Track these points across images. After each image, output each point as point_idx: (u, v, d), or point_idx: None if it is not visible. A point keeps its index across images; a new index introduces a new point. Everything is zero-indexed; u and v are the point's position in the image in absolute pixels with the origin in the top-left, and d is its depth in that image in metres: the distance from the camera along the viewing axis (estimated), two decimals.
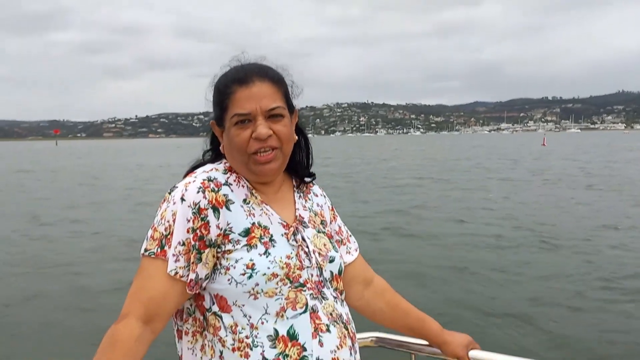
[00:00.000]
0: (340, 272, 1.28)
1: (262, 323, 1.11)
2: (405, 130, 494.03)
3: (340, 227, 1.42)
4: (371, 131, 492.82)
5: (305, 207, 1.31)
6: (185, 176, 1.22)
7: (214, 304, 1.13)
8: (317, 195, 1.38)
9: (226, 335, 1.12)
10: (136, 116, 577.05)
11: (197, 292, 1.14)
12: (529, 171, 23.89)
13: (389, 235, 9.82)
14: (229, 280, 1.11)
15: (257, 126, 1.15)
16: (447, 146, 65.26)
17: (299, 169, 1.33)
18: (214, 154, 1.29)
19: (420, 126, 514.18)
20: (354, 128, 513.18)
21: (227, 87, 1.17)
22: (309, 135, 1.36)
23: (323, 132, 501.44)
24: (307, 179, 1.36)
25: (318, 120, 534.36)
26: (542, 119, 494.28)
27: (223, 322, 1.12)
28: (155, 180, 23.51)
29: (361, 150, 61.66)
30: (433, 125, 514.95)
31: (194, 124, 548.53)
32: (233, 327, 1.11)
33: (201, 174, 1.18)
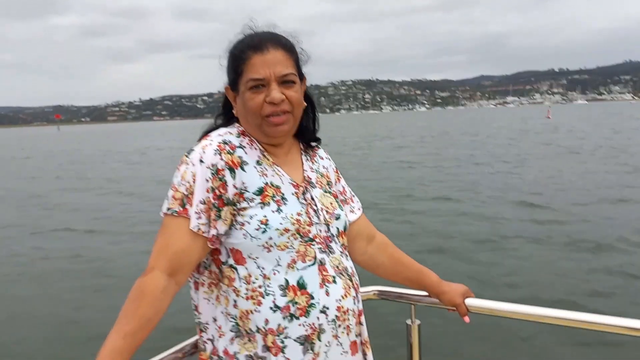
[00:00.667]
0: (345, 229, 1.37)
1: (274, 274, 1.19)
2: (410, 107, 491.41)
3: (344, 188, 1.50)
4: (376, 108, 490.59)
5: (312, 168, 1.38)
6: (200, 139, 1.27)
7: (229, 257, 1.21)
8: (322, 158, 1.45)
9: (240, 286, 1.19)
10: (140, 99, 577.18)
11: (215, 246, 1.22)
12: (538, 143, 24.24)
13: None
14: (244, 235, 1.18)
15: (270, 91, 1.20)
16: (443, 124, 65.24)
17: (306, 134, 1.41)
18: (226, 118, 1.36)
19: (425, 102, 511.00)
20: (359, 105, 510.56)
21: (242, 52, 1.23)
22: None
23: (328, 110, 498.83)
24: (313, 143, 1.43)
25: (323, 98, 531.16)
26: (549, 91, 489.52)
27: (238, 274, 1.20)
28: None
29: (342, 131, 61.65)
30: (439, 100, 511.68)
31: (197, 105, 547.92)
32: (247, 278, 1.19)
33: (216, 137, 1.24)
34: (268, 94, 1.21)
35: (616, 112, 73.07)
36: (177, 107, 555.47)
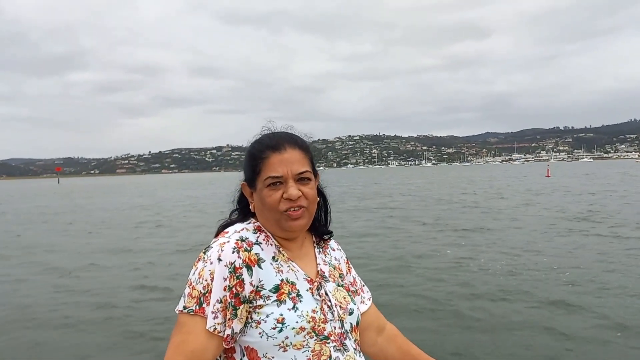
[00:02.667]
0: (358, 324, 1.37)
1: None
2: (417, 162, 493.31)
3: (354, 279, 1.52)
4: (383, 163, 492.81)
5: (325, 261, 1.41)
6: (216, 235, 1.32)
7: (244, 356, 1.22)
8: (334, 250, 1.49)
9: None
10: (149, 152, 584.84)
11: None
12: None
13: None
14: (260, 333, 1.19)
15: (288, 188, 1.26)
16: (439, 178, 64.11)
17: (318, 226, 1.45)
18: (242, 213, 1.39)
19: (432, 157, 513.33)
20: (366, 160, 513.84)
21: (261, 152, 1.29)
22: (321, 168, 1.45)
23: (335, 164, 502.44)
24: (326, 236, 1.47)
25: (330, 153, 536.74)
26: (554, 149, 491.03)
27: None
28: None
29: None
30: (445, 156, 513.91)
31: (206, 158, 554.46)
32: None
33: (234, 234, 1.27)
34: (286, 191, 1.26)
35: (621, 170, 71.40)
36: (185, 160, 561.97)
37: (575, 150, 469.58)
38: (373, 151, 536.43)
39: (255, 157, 1.31)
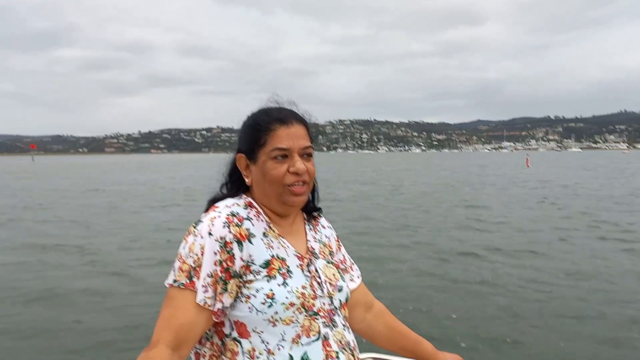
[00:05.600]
0: (347, 300, 1.39)
1: (279, 349, 1.20)
2: (406, 148, 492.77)
3: (344, 256, 1.54)
4: (372, 148, 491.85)
5: (315, 238, 1.42)
6: (206, 209, 1.31)
7: (233, 329, 1.23)
8: (324, 227, 1.50)
9: None
10: (139, 131, 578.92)
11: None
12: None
13: None
14: (249, 308, 1.20)
15: (295, 162, 1.27)
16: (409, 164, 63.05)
17: (308, 204, 1.45)
18: (234, 187, 1.38)
19: (422, 144, 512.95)
20: (356, 145, 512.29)
21: (268, 124, 1.29)
22: None
23: (325, 148, 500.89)
24: (315, 213, 1.48)
25: (320, 137, 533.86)
26: (544, 138, 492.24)
27: (242, 347, 1.21)
28: None
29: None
30: (435, 143, 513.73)
31: (195, 139, 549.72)
32: (251, 352, 1.20)
33: (224, 208, 1.27)
34: (292, 165, 1.27)
35: (605, 162, 70.74)
36: (175, 140, 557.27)
37: (565, 140, 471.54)
38: (363, 136, 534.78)
39: (260, 129, 1.30)
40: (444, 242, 10.31)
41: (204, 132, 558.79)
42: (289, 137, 1.28)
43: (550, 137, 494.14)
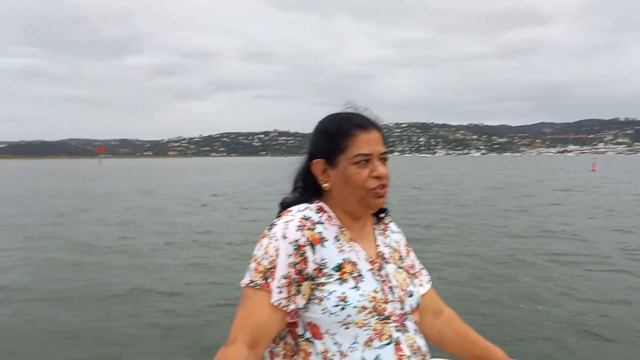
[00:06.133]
0: (417, 305, 1.40)
1: (352, 351, 1.22)
2: (466, 151, 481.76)
3: (413, 262, 1.54)
4: (430, 151, 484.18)
5: (385, 243, 1.43)
6: (279, 213, 1.35)
7: (306, 330, 1.25)
8: (394, 232, 1.51)
9: None
10: (200, 135, 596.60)
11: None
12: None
13: None
14: (322, 310, 1.22)
15: (376, 166, 1.31)
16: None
17: None
18: (308, 192, 1.39)
19: (482, 147, 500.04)
20: (413, 148, 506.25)
21: (349, 129, 1.32)
22: None
23: None
24: (381, 215, 1.49)
25: None
26: (613, 141, 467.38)
27: (315, 348, 1.23)
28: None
29: None
30: (496, 146, 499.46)
31: (254, 143, 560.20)
32: (324, 354, 1.22)
33: (297, 212, 1.31)
34: (374, 169, 1.30)
35: None
36: (234, 144, 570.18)
37: (636, 143, 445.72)
38: (420, 139, 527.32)
39: (341, 135, 1.32)
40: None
41: (261, 136, 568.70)
42: (369, 142, 1.31)
43: (620, 139, 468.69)
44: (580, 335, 5.34)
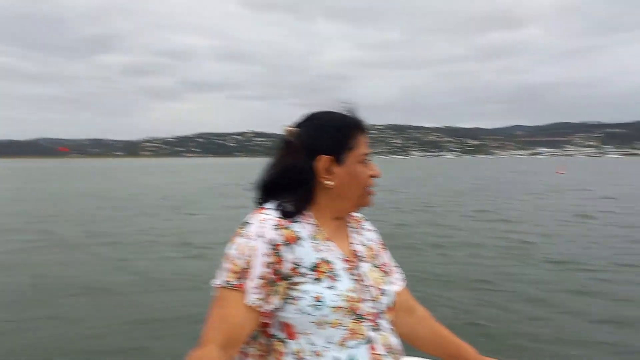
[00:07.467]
0: (392, 304, 1.40)
1: (326, 351, 1.21)
2: (438, 154, 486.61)
3: (387, 261, 1.53)
4: (404, 154, 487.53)
5: (359, 241, 1.42)
6: (254, 211, 1.31)
7: (280, 330, 1.24)
8: (369, 230, 1.50)
9: None
10: (174, 135, 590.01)
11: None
12: None
13: None
14: (297, 310, 1.20)
15: (373, 167, 1.35)
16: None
17: None
18: (310, 194, 1.34)
19: (455, 149, 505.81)
20: (389, 150, 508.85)
21: (353, 130, 1.34)
22: None
23: None
24: (358, 216, 1.50)
25: None
26: (583, 144, 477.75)
27: (289, 348, 1.22)
28: None
29: None
30: (469, 148, 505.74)
31: (228, 143, 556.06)
32: (298, 354, 1.21)
33: (272, 210, 1.28)
34: (372, 169, 1.35)
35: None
36: (208, 144, 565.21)
37: (604, 146, 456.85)
38: (396, 141, 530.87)
39: (347, 134, 1.33)
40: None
41: (236, 137, 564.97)
42: (366, 143, 1.35)
43: (589, 142, 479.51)
44: None
